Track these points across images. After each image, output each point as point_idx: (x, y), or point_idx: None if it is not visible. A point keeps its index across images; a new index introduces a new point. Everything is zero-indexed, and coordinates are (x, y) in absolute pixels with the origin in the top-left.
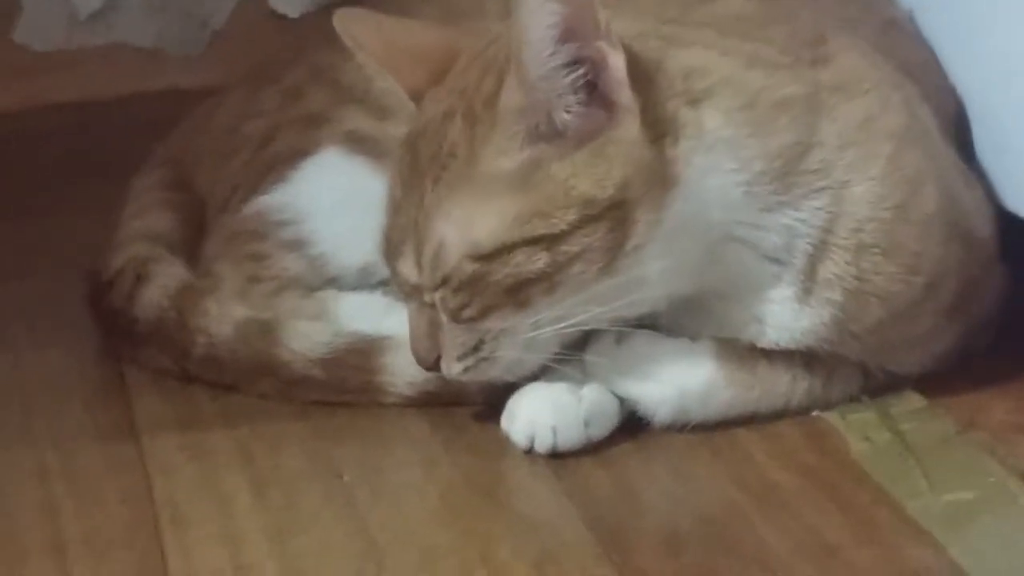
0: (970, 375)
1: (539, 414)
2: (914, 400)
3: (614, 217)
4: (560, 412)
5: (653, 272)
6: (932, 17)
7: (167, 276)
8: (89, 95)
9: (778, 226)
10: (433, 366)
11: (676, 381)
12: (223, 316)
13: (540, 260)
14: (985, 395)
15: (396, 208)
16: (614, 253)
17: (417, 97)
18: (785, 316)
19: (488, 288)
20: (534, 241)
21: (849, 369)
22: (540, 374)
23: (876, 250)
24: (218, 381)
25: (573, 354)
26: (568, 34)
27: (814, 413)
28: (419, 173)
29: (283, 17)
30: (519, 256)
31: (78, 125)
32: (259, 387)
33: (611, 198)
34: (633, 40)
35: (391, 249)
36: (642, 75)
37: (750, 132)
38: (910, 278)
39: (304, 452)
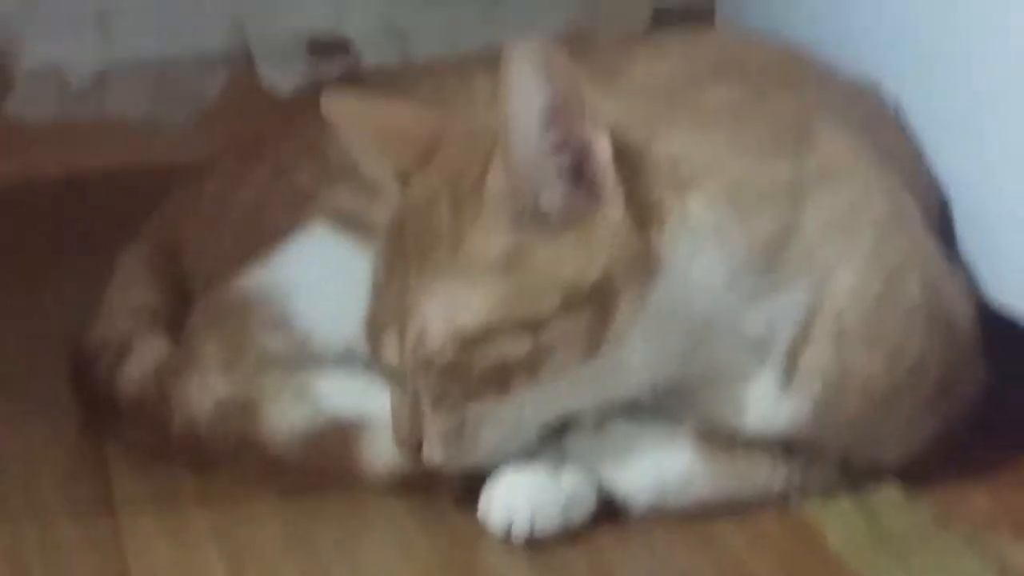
0: (950, 466)
1: (517, 500)
2: (893, 490)
3: (598, 302)
4: (538, 497)
5: (635, 358)
6: (919, 108)
7: (149, 351)
8: (79, 168)
9: (760, 314)
10: (414, 450)
11: (655, 468)
12: (204, 393)
13: (523, 345)
14: (965, 487)
15: (380, 291)
16: (597, 338)
17: (404, 179)
18: (765, 404)
19: (470, 373)
20: (518, 325)
21: (829, 457)
22: (520, 459)
23: (858, 339)
24: (197, 458)
25: (553, 440)
26: (555, 119)
27: (793, 501)
28: (404, 255)
29: (274, 94)
30: (502, 341)
31: (67, 198)
32: (238, 465)
33: (595, 283)
34: (619, 125)
35: (374, 332)
36: (628, 160)
37: (734, 219)
38: (891, 368)
39: (282, 531)
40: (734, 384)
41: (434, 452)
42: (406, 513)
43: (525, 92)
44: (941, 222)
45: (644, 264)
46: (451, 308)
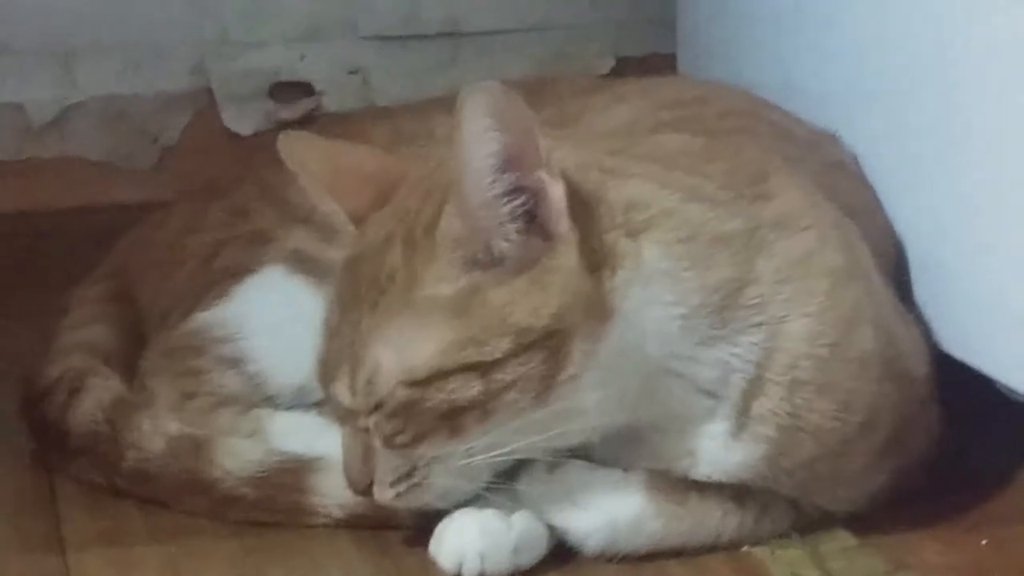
0: (902, 515)
1: (468, 540)
2: (844, 538)
3: (550, 346)
4: (489, 538)
5: (588, 402)
6: (876, 161)
7: (102, 389)
8: (39, 206)
9: (713, 360)
10: (365, 491)
11: (606, 511)
12: (155, 431)
13: (474, 387)
14: (916, 535)
15: (333, 331)
16: (549, 382)
17: (359, 221)
18: (718, 450)
19: (422, 414)
20: (469, 368)
21: (781, 505)
22: (471, 500)
23: (811, 387)
24: (147, 496)
25: (505, 482)
26: (509, 163)
27: (744, 548)
28: (357, 297)
29: (235, 135)
30: (453, 383)
31: (27, 235)
32: (189, 503)
33: (547, 327)
34: (574, 170)
35: (327, 372)
36: (582, 205)
37: (688, 265)
38: (844, 416)
39: (232, 569)
40: (686, 429)
41: (384, 493)
42: (357, 552)
43: (479, 136)
44: (897, 272)
45: (597, 309)
46: (402, 349)
